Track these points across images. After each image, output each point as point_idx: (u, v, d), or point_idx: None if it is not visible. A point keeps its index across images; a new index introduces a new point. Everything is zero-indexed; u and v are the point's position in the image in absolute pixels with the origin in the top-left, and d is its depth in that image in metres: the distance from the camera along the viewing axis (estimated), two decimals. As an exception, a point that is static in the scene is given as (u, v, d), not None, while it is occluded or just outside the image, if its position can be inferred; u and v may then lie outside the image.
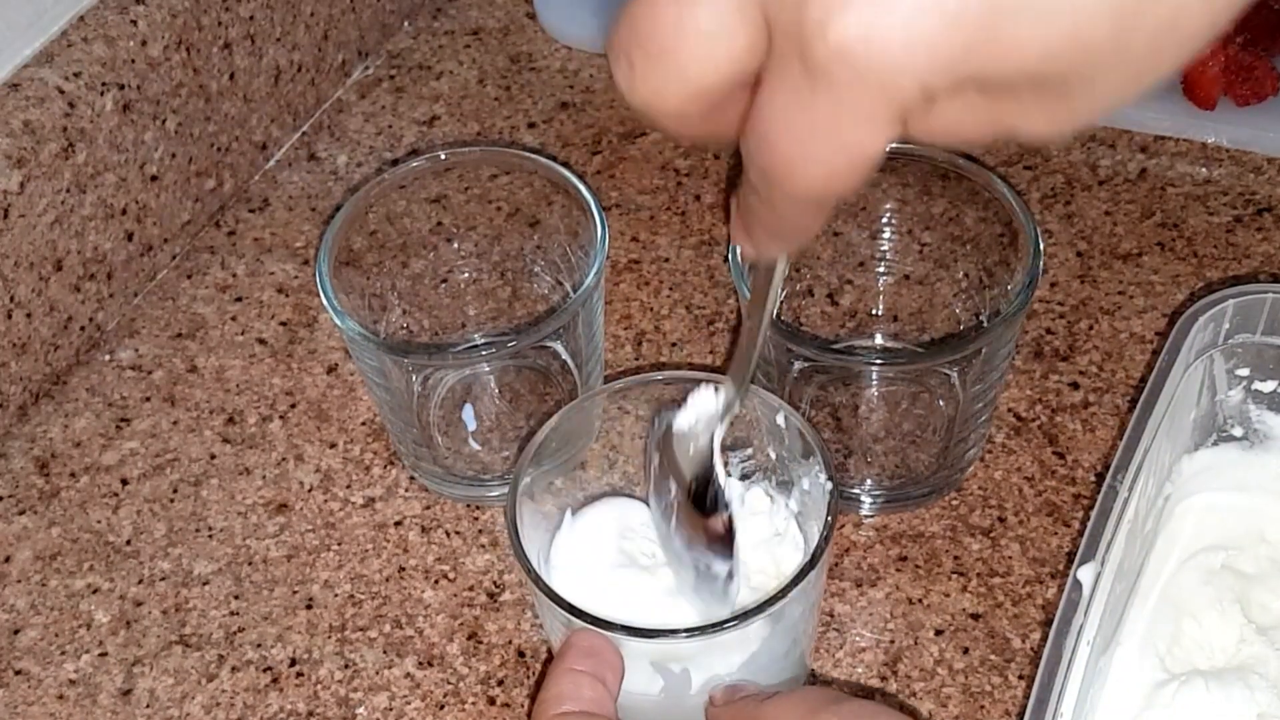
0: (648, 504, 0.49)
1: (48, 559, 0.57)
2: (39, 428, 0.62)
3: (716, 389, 0.44)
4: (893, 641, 0.53)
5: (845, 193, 0.28)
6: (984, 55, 0.25)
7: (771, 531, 0.49)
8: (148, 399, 0.63)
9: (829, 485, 0.45)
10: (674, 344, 0.63)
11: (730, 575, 0.45)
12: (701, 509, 0.45)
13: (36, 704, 0.53)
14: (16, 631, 0.55)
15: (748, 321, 0.42)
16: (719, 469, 0.45)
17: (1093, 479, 0.57)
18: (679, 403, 0.45)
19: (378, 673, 0.53)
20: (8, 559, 0.58)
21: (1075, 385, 0.60)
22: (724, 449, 0.47)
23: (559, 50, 0.78)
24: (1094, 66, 0.25)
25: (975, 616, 0.53)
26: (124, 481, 0.60)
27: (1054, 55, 0.25)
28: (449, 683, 0.53)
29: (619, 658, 0.43)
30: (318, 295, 0.57)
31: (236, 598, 0.56)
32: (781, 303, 0.59)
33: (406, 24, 0.80)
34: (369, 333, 0.53)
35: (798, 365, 0.53)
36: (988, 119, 0.27)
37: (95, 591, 0.56)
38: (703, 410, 0.45)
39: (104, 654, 0.54)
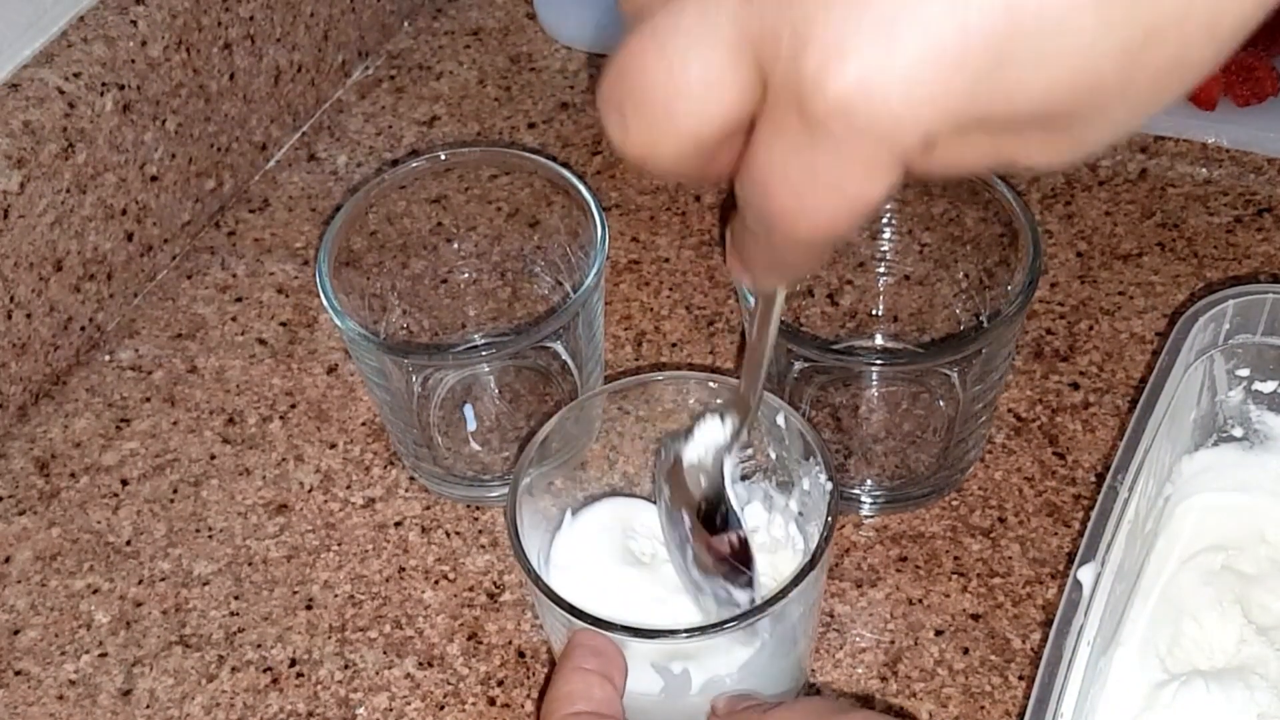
0: (663, 541, 0.48)
1: (48, 559, 0.57)
2: (39, 428, 0.62)
3: (723, 418, 0.44)
4: (893, 642, 0.53)
5: (847, 235, 0.28)
6: (987, 99, 0.24)
7: (769, 542, 0.48)
8: (148, 399, 0.63)
9: (829, 486, 0.45)
10: (674, 344, 0.63)
11: (751, 602, 0.45)
12: (713, 530, 0.45)
13: (36, 704, 0.53)
14: (16, 632, 0.55)
15: (751, 351, 0.41)
16: (731, 500, 0.45)
17: (1093, 479, 0.57)
18: (684, 433, 0.45)
19: (378, 673, 0.53)
20: (8, 559, 0.58)
21: (1075, 385, 0.60)
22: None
23: (559, 50, 0.78)
24: (1099, 103, 0.25)
25: (975, 617, 0.53)
26: (124, 482, 0.60)
27: (1059, 95, 0.24)
28: (449, 683, 0.53)
29: (623, 657, 0.43)
30: (318, 295, 0.57)
31: (236, 598, 0.56)
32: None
33: (406, 24, 0.80)
34: (369, 333, 0.53)
35: (798, 366, 0.53)
36: (989, 154, 0.27)
37: (95, 592, 0.56)
38: (710, 441, 0.44)
39: (104, 654, 0.54)
